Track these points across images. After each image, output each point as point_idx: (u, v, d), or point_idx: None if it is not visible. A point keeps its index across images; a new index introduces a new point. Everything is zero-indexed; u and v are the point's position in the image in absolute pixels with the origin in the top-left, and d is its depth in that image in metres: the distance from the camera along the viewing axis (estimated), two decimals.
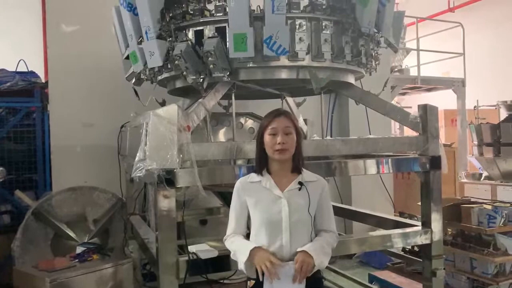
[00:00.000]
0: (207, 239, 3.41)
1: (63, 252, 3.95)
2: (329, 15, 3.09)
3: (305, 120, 4.56)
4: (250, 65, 3.02)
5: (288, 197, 2.22)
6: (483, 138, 6.15)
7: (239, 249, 2.21)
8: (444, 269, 3.27)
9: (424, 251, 3.33)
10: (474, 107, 6.88)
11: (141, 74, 3.56)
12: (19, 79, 4.98)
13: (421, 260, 3.39)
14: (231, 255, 2.29)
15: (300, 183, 2.25)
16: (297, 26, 2.96)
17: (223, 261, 2.69)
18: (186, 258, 2.65)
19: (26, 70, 5.24)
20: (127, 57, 3.59)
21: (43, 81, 5.27)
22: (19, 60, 5.24)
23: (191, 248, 2.73)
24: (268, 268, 2.05)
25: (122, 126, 4.18)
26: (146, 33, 3.14)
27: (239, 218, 2.31)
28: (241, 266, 2.19)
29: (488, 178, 6.30)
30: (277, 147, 2.21)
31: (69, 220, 4.14)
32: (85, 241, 4.13)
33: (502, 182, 5.93)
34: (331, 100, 6.11)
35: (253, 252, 2.13)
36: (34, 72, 5.29)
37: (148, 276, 4.42)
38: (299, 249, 2.15)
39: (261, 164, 2.31)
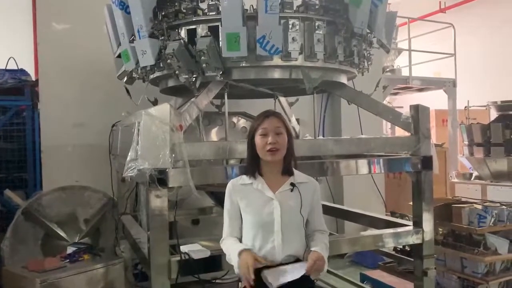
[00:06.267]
0: (199, 239, 3.40)
1: (53, 252, 3.90)
2: (322, 15, 3.09)
3: (297, 120, 4.56)
4: (243, 64, 3.01)
5: (280, 198, 2.22)
6: (473, 138, 6.21)
7: (230, 254, 2.23)
8: (435, 268, 3.29)
9: (415, 250, 3.35)
10: (465, 107, 6.94)
11: (133, 73, 3.54)
12: (8, 77, 4.93)
13: (412, 259, 3.41)
14: (226, 259, 2.30)
15: (292, 184, 2.25)
16: (290, 26, 2.95)
17: (216, 261, 2.69)
18: (178, 258, 2.64)
19: (16, 68, 5.18)
20: (119, 56, 3.57)
21: (33, 79, 5.22)
22: (9, 58, 5.18)
23: (183, 248, 2.71)
24: (245, 276, 2.07)
25: (113, 125, 4.15)
26: (138, 31, 3.12)
27: (232, 220, 2.30)
28: (236, 268, 2.21)
29: (478, 178, 6.36)
30: (268, 147, 2.20)
31: (60, 220, 4.10)
32: (76, 241, 4.09)
33: (492, 182, 5.99)
34: (323, 100, 6.13)
35: (240, 256, 2.14)
36: (24, 70, 5.23)
37: (140, 276, 4.40)
38: (313, 249, 2.17)
39: (252, 166, 2.30)
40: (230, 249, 2.23)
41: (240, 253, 2.14)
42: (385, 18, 3.43)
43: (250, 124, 4.06)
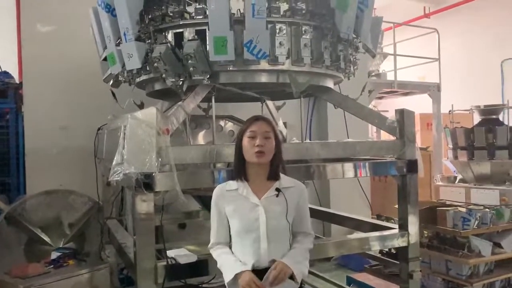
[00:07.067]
0: (186, 243, 3.38)
1: (37, 257, 3.84)
2: (308, 20, 3.11)
3: (284, 124, 4.58)
4: (230, 68, 3.02)
5: (265, 204, 2.23)
6: (457, 141, 6.30)
7: (225, 266, 2.23)
8: (420, 271, 3.32)
9: (401, 253, 3.38)
10: (449, 111, 7.04)
11: (119, 76, 3.51)
12: None
13: (398, 262, 3.44)
14: (218, 266, 2.30)
15: (278, 190, 2.25)
16: (277, 31, 2.97)
17: (202, 265, 2.68)
18: (165, 262, 2.62)
19: None
20: (105, 59, 3.54)
21: (17, 81, 5.15)
22: None
23: (170, 253, 2.70)
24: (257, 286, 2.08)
25: (99, 129, 4.11)
26: (124, 34, 3.09)
27: (220, 226, 2.31)
28: (226, 282, 2.21)
29: (462, 181, 6.45)
30: (255, 149, 2.21)
31: (44, 225, 4.04)
32: (60, 246, 4.03)
33: (475, 185, 6.08)
34: (310, 104, 6.16)
35: (239, 275, 2.13)
36: (7, 73, 5.16)
37: (126, 281, 4.36)
38: (278, 260, 2.17)
39: (239, 170, 2.30)
40: (225, 262, 2.24)
41: (238, 274, 2.14)
42: (371, 23, 3.47)
43: (237, 128, 4.07)
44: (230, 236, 2.31)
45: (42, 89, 4.76)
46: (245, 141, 2.25)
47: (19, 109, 4.87)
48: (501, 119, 6.57)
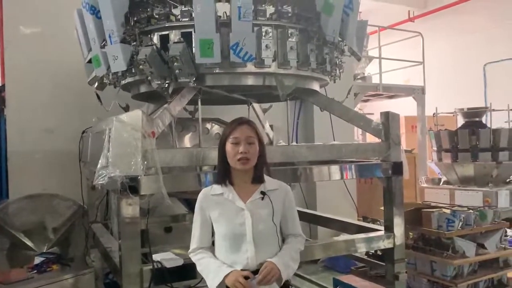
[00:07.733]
0: (172, 247, 3.35)
1: (20, 263, 3.78)
2: (295, 23, 3.12)
3: (271, 126, 4.59)
4: (217, 71, 3.01)
5: (251, 208, 2.22)
6: (441, 144, 6.38)
7: (210, 270, 2.20)
8: (406, 272, 3.35)
9: (387, 255, 3.40)
10: (433, 114, 7.13)
11: (104, 78, 3.49)
12: None
13: (384, 264, 3.46)
14: (198, 270, 2.28)
15: (263, 193, 2.25)
16: (264, 33, 2.98)
17: (189, 269, 2.65)
18: (151, 267, 2.60)
19: None
20: (90, 61, 3.50)
21: (0, 84, 5.07)
22: None
23: (156, 257, 2.68)
24: (242, 285, 2.06)
25: (83, 132, 4.06)
26: (109, 36, 3.07)
27: (203, 231, 2.29)
28: (212, 287, 2.18)
29: (447, 182, 6.54)
30: (239, 157, 2.19)
31: (27, 229, 3.98)
32: (44, 250, 3.97)
33: (459, 186, 6.17)
34: (296, 106, 6.18)
35: (226, 276, 2.12)
36: None
37: (111, 286, 4.30)
38: (268, 260, 2.16)
39: (223, 174, 2.29)
40: (210, 266, 2.22)
41: (226, 275, 2.12)
42: (356, 26, 3.50)
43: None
44: (212, 234, 2.30)
45: (26, 91, 4.69)
46: (229, 147, 2.23)
47: (2, 112, 4.79)
48: (484, 121, 6.67)
